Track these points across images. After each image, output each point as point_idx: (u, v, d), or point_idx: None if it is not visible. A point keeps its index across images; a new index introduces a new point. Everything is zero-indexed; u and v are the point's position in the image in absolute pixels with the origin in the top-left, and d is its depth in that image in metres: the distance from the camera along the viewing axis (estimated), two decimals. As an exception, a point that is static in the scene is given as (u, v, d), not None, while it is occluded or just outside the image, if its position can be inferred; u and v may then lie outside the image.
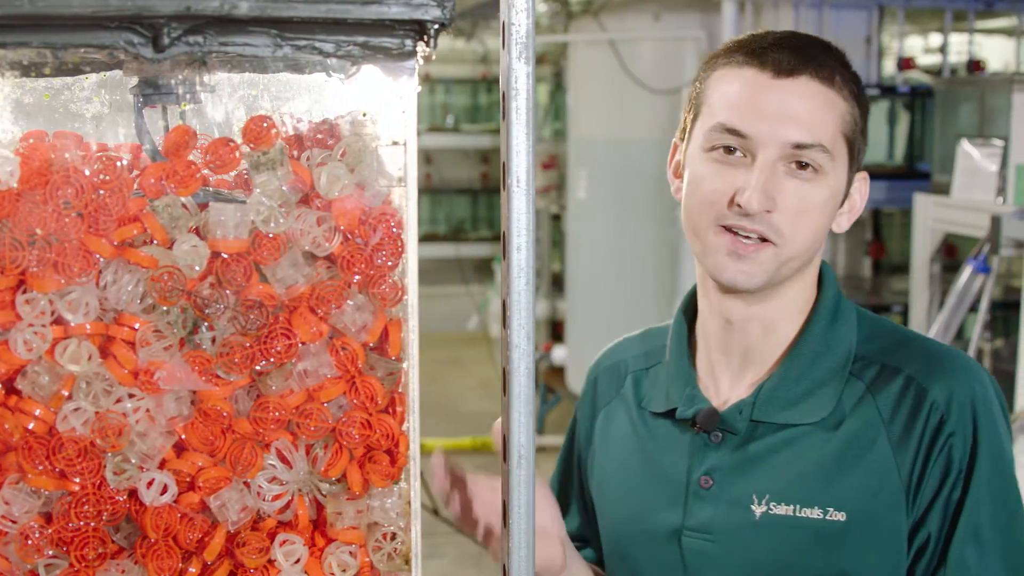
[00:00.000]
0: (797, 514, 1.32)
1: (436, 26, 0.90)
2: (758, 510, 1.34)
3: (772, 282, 1.33)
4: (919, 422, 1.30)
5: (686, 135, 1.40)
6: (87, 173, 0.89)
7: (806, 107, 1.30)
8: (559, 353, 7.09)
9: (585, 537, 1.63)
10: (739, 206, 1.29)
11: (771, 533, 1.34)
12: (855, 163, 1.37)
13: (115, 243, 0.90)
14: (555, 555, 1.37)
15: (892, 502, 1.30)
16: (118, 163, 0.90)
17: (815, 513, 1.31)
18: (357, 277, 0.94)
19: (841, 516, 1.30)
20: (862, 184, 1.41)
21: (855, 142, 1.35)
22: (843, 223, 1.40)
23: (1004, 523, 1.30)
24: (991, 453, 1.29)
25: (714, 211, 1.32)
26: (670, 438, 1.45)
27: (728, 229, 1.31)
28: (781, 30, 1.37)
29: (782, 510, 1.33)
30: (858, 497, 1.30)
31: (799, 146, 1.29)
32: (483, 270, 10.02)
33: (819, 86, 1.31)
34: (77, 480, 0.89)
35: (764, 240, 1.30)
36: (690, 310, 1.50)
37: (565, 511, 1.67)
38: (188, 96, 0.94)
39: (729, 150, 1.31)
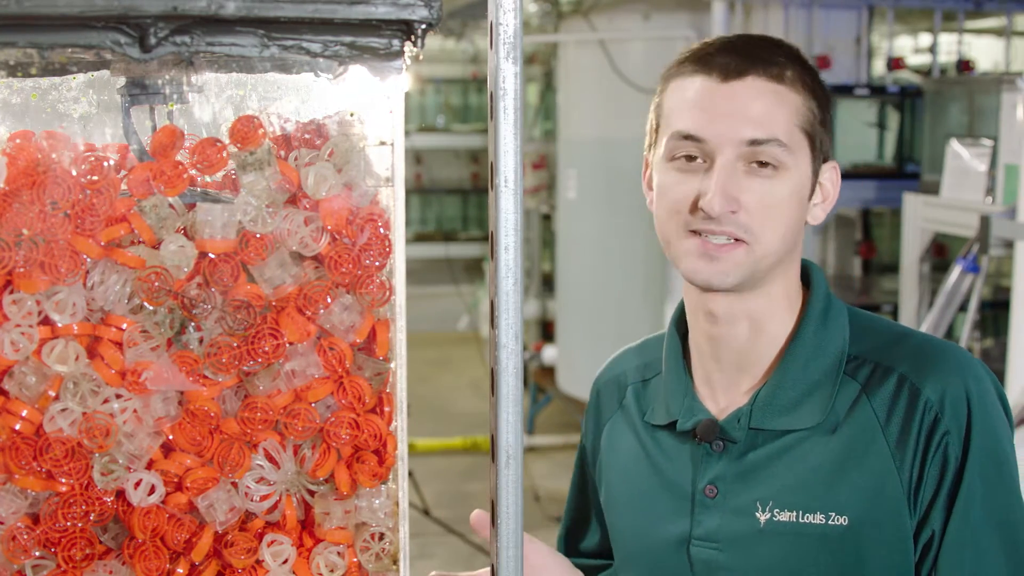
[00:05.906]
0: (800, 520, 1.33)
1: (423, 26, 0.90)
2: (762, 517, 1.35)
3: (751, 279, 1.34)
4: (915, 422, 1.30)
5: (652, 148, 1.42)
6: (74, 173, 0.89)
7: (756, 105, 1.31)
8: (549, 353, 7.09)
9: (609, 550, 1.63)
10: (702, 210, 1.30)
11: (776, 540, 1.34)
12: (819, 154, 1.37)
13: (102, 243, 0.89)
14: None
15: (894, 504, 1.30)
16: (105, 163, 0.90)
17: (817, 518, 1.32)
18: (345, 277, 0.94)
19: (843, 520, 1.31)
20: (832, 172, 1.41)
21: (815, 134, 1.36)
22: (818, 214, 1.41)
23: (998, 510, 1.30)
24: (984, 444, 1.29)
25: (681, 218, 1.33)
26: (674, 449, 1.46)
27: (698, 233, 1.32)
28: (729, 35, 1.40)
29: (785, 517, 1.34)
30: (859, 501, 1.31)
31: (754, 142, 1.30)
32: (473, 270, 10.01)
33: (767, 83, 1.32)
34: (64, 481, 0.89)
35: (737, 240, 1.31)
36: (683, 321, 1.50)
37: (585, 528, 1.69)
38: (175, 96, 0.94)
39: (690, 158, 1.33)
